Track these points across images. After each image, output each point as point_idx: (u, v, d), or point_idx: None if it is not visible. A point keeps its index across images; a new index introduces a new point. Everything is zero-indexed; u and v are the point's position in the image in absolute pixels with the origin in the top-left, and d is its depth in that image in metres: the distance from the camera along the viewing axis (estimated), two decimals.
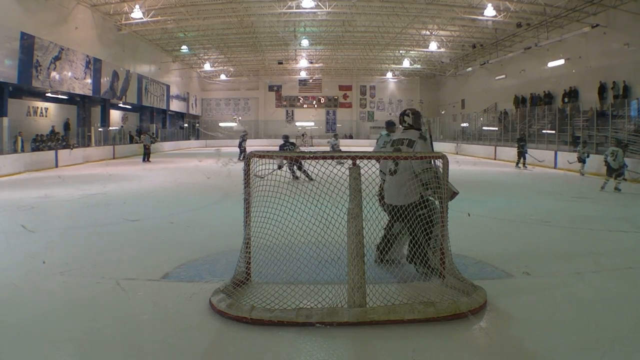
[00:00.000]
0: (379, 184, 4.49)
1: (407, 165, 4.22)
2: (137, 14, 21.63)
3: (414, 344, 2.98)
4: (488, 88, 31.27)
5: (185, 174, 15.03)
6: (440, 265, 3.99)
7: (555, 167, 18.01)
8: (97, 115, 24.28)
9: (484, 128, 29.20)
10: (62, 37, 19.14)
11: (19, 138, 17.24)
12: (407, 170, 4.21)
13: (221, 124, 42.15)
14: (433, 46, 28.21)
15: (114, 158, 22.93)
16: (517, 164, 18.12)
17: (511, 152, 21.75)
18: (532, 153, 18.45)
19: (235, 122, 40.96)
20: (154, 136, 27.80)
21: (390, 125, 7.31)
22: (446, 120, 36.57)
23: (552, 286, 4.08)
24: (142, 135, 23.79)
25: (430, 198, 4.28)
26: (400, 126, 4.70)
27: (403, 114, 4.64)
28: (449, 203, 4.09)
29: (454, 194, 4.27)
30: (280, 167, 3.88)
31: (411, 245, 4.13)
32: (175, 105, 35.79)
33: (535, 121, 22.67)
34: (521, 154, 18.00)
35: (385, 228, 4.43)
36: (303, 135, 38.01)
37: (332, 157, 3.76)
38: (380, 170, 4.60)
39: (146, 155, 20.80)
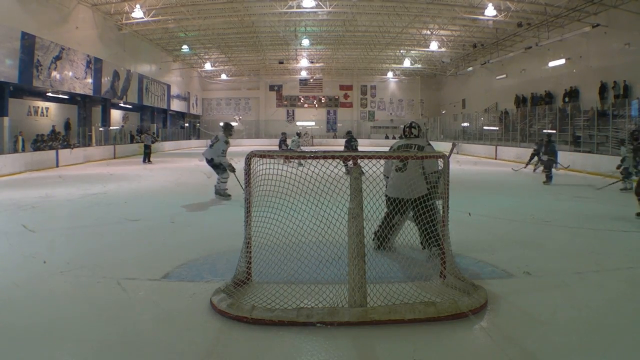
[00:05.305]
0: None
1: (416, 164, 4.70)
2: (137, 13, 21.66)
3: (415, 343, 2.98)
4: (489, 88, 31.25)
5: (186, 174, 15.03)
6: (441, 265, 4.00)
7: (555, 167, 17.94)
8: (97, 115, 24.29)
9: (485, 128, 29.17)
10: (62, 37, 19.16)
11: (20, 138, 17.26)
12: (417, 168, 4.71)
13: (222, 124, 42.04)
14: (434, 46, 28.21)
15: (114, 158, 22.93)
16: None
17: (511, 151, 21.75)
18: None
19: (236, 121, 40.95)
20: (155, 136, 27.66)
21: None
22: (447, 120, 36.55)
23: (552, 286, 4.08)
24: (142, 135, 22.79)
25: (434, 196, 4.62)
26: (403, 135, 5.32)
27: (410, 126, 5.27)
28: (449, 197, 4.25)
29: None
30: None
31: (423, 230, 4.49)
32: (176, 105, 35.79)
33: (536, 121, 22.65)
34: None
35: (384, 218, 4.81)
36: (305, 134, 38.13)
37: (333, 157, 3.69)
38: (385, 175, 4.97)
39: (147, 156, 19.80)
